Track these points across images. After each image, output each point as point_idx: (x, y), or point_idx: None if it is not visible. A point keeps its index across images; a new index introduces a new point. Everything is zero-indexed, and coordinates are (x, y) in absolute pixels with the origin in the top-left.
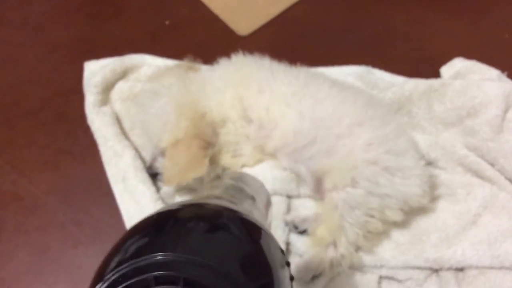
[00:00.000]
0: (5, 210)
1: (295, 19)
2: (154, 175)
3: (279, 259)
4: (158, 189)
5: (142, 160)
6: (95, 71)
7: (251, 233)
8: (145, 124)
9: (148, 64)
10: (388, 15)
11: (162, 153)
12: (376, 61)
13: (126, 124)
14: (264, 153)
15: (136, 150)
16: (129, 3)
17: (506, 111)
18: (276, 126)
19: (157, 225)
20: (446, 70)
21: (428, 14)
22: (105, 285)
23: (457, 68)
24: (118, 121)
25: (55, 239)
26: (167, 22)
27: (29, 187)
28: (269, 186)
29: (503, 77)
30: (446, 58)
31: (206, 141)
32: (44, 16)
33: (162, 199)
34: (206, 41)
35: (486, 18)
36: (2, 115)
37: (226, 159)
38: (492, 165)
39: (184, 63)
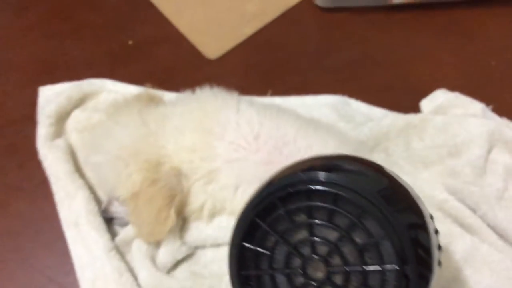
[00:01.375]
0: None
1: (267, 41)
2: (110, 219)
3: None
4: (113, 235)
5: (97, 201)
6: (50, 97)
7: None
8: (97, 168)
9: (108, 90)
10: (367, 39)
11: (118, 198)
12: (353, 89)
13: (82, 158)
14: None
15: (91, 188)
16: (88, 20)
17: (489, 151)
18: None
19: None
20: (427, 103)
21: (411, 38)
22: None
23: (438, 101)
24: (72, 154)
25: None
26: (130, 42)
27: None
28: None
29: (488, 112)
30: (428, 86)
31: (169, 189)
32: None
33: (117, 248)
34: (172, 64)
35: (473, 43)
36: None
37: (192, 210)
38: (474, 210)
39: (145, 93)
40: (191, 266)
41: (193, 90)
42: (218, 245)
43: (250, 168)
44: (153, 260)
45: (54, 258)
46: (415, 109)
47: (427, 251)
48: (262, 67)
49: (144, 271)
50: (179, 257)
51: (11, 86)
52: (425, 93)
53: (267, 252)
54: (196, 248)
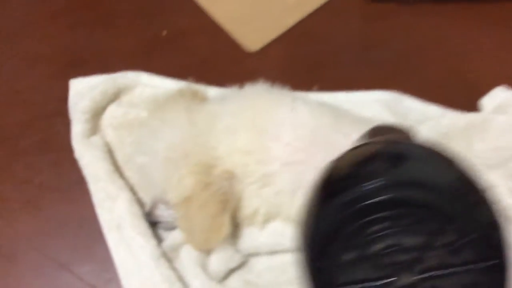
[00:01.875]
0: None
1: (309, 33)
2: (154, 223)
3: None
4: (160, 241)
5: (140, 203)
6: (82, 91)
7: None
8: (143, 169)
9: (143, 84)
10: (415, 31)
11: (166, 202)
12: (403, 85)
13: (120, 157)
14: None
15: (132, 189)
16: (119, 8)
17: None
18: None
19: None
20: (488, 101)
21: (463, 30)
22: None
23: (498, 100)
24: (110, 153)
25: None
26: (164, 33)
27: (7, 231)
28: (289, 242)
29: None
30: (485, 83)
31: (223, 193)
32: (19, 23)
33: (165, 254)
34: (209, 57)
35: None
36: None
37: (245, 215)
38: None
39: (187, 88)
40: (244, 275)
41: (240, 86)
42: (272, 252)
43: (309, 172)
44: (204, 268)
45: (94, 264)
46: (472, 107)
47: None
48: (305, 60)
49: (196, 280)
50: (232, 265)
51: (39, 79)
52: (482, 90)
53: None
54: (249, 255)
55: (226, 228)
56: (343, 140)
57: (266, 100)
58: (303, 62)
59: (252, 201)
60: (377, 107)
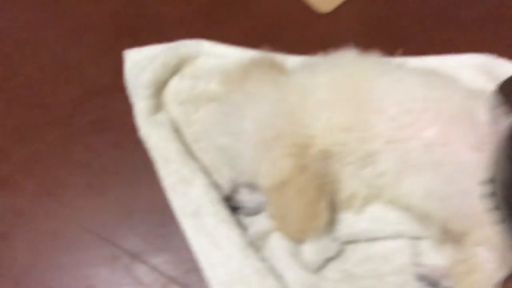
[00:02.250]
0: (41, 248)
1: None
2: (234, 209)
3: None
4: (243, 229)
5: (216, 187)
6: (139, 63)
7: None
8: (225, 151)
9: (206, 53)
10: None
11: (250, 185)
12: (499, 47)
13: (187, 135)
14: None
15: (205, 171)
16: None
17: None
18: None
19: None
20: None
21: None
22: None
23: None
24: (177, 132)
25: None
26: None
27: (69, 220)
28: (392, 227)
29: None
30: None
31: (320, 177)
32: None
33: (251, 243)
34: (276, 21)
35: None
36: (24, 123)
37: (342, 199)
38: None
39: (263, 57)
40: (341, 264)
41: (325, 53)
42: (372, 239)
43: (417, 151)
44: (297, 258)
45: (170, 254)
46: None
47: None
48: (383, 22)
49: (290, 271)
50: (330, 254)
51: (89, 51)
52: None
53: None
54: (346, 243)
55: (324, 216)
56: (459, 110)
57: (364, 69)
58: (381, 23)
59: (351, 183)
60: (470, 71)
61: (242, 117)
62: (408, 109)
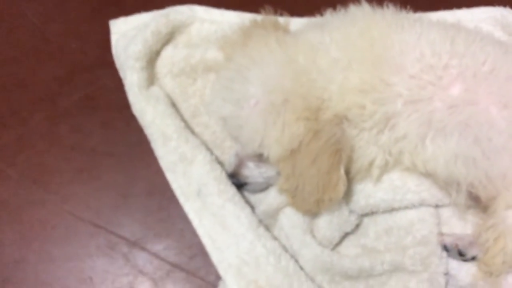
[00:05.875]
0: (30, 240)
1: None
2: (239, 186)
3: None
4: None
5: (218, 163)
6: (127, 33)
7: None
8: (229, 121)
9: (200, 19)
10: None
11: (257, 158)
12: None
13: (185, 110)
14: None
15: (206, 147)
16: None
17: None
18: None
19: None
20: None
21: None
22: None
23: None
24: (173, 107)
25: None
26: None
27: (61, 207)
28: (412, 196)
29: None
30: None
31: (335, 143)
32: None
33: (261, 222)
34: None
35: None
36: (3, 107)
37: (358, 168)
38: None
39: (266, 18)
40: (360, 239)
41: (333, 10)
42: (392, 210)
43: (442, 111)
44: (312, 234)
45: (172, 239)
46: None
47: None
48: None
49: (305, 249)
50: (348, 229)
51: (71, 23)
52: None
53: None
54: (364, 216)
55: (341, 186)
56: (485, 67)
57: (380, 24)
58: None
59: (368, 150)
60: (485, 26)
61: (246, 82)
62: (430, 66)
